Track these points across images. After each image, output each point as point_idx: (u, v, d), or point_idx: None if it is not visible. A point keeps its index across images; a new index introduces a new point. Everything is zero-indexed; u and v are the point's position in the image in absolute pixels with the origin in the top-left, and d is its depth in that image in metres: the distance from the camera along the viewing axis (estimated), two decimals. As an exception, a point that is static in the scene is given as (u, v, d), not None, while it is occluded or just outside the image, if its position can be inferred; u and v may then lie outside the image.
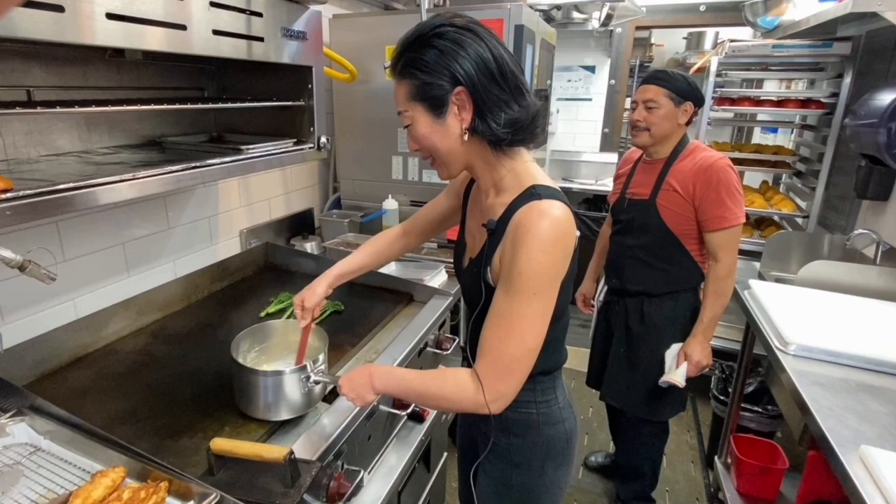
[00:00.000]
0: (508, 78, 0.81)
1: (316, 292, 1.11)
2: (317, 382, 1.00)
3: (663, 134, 1.62)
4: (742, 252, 2.60)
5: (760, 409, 2.08)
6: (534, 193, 0.83)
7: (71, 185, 0.85)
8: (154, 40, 0.93)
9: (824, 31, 2.40)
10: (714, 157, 1.57)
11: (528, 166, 0.89)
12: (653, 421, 1.84)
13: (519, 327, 0.81)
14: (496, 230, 0.86)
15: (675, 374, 1.65)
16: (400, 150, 2.07)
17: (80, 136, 1.21)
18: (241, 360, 1.02)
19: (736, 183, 1.55)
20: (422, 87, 0.81)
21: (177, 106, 1.24)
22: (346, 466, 1.02)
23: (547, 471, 1.01)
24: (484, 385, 0.82)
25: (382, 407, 1.20)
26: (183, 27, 0.97)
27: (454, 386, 0.85)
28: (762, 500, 1.84)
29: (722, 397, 2.21)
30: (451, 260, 1.80)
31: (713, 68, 2.39)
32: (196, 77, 1.47)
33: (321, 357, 1.03)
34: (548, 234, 0.78)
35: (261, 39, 1.17)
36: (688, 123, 1.65)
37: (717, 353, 2.69)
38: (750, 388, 2.13)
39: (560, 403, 1.00)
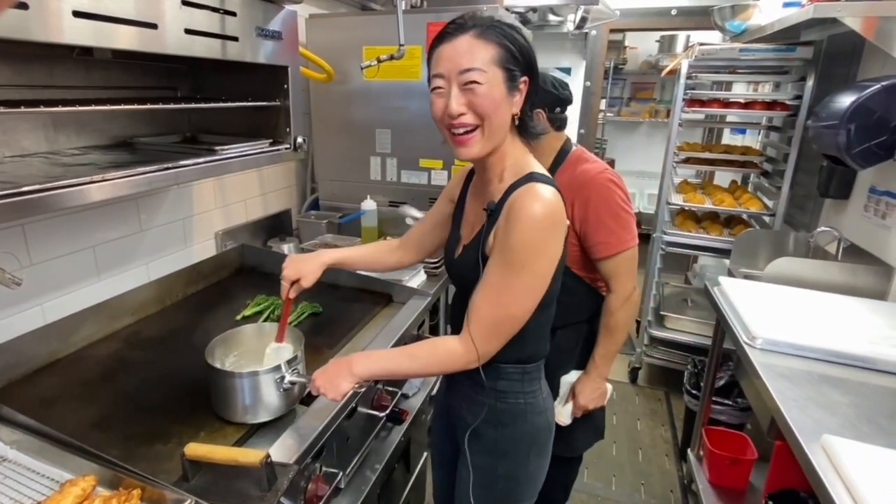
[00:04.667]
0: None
1: (313, 271, 1.13)
2: (292, 383, 1.00)
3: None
4: (713, 250, 2.68)
5: (731, 403, 2.14)
6: (531, 177, 0.91)
7: (37, 186, 0.83)
8: (124, 39, 0.92)
9: (788, 36, 2.48)
10: (594, 170, 1.31)
11: (529, 158, 0.98)
12: (564, 457, 1.52)
13: (506, 296, 0.89)
14: (494, 211, 0.93)
15: (561, 412, 1.43)
16: (378, 150, 2.07)
17: (46, 137, 1.18)
18: (218, 364, 1.01)
19: (620, 200, 1.29)
20: (510, 58, 0.87)
21: (148, 106, 1.20)
22: (323, 469, 1.01)
23: (531, 460, 1.06)
24: (475, 343, 0.91)
25: (361, 409, 1.20)
26: (154, 26, 0.96)
27: (444, 352, 0.94)
28: (733, 491, 1.90)
29: (694, 391, 2.27)
30: (431, 260, 1.82)
31: (683, 71, 2.45)
32: (168, 76, 1.44)
33: (297, 356, 1.03)
34: (539, 212, 0.86)
35: (235, 39, 1.16)
36: (559, 128, 1.38)
37: (690, 348, 2.78)
38: (721, 382, 2.20)
39: (543, 394, 1.07)
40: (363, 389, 0.96)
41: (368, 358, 0.97)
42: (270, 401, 0.99)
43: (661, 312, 2.87)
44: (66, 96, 1.18)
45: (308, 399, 1.06)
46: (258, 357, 1.13)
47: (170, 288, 1.54)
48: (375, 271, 1.30)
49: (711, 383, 2.01)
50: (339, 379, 0.93)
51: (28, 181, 0.83)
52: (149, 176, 1.01)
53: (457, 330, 0.98)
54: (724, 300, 1.73)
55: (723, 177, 3.71)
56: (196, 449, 0.82)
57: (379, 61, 1.64)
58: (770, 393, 1.21)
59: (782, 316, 1.53)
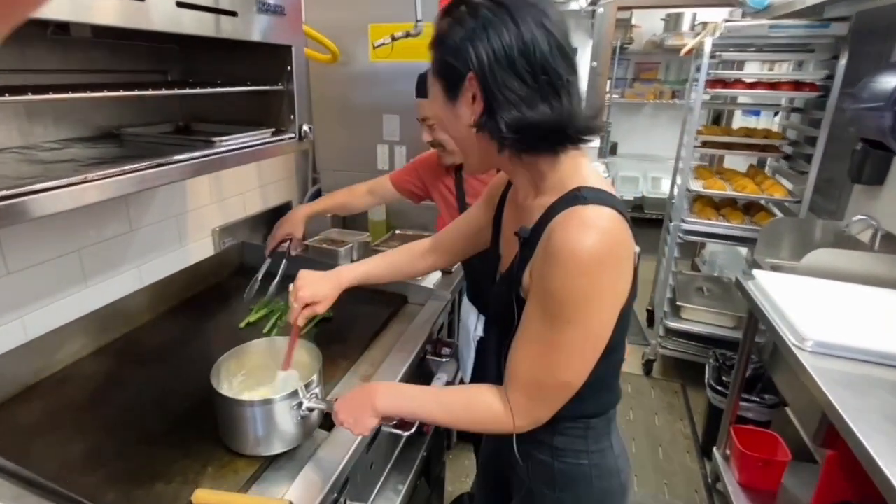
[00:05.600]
0: (538, 72, 0.66)
1: (328, 294, 0.98)
2: (311, 409, 0.88)
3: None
4: (735, 239, 2.58)
5: (758, 399, 2.06)
6: (578, 197, 0.68)
7: (13, 191, 0.69)
8: (105, 13, 0.77)
9: (811, 13, 2.34)
10: None
11: (577, 162, 0.74)
12: None
13: (550, 356, 0.70)
14: (530, 238, 0.73)
15: None
16: (385, 137, 1.93)
17: (20, 129, 1.03)
18: (225, 388, 0.89)
19: None
20: (442, 63, 0.72)
21: (136, 93, 1.06)
22: (348, 503, 0.90)
23: None
24: (514, 411, 0.74)
25: (384, 428, 1.08)
26: (140, -3, 0.81)
27: (483, 410, 0.77)
28: (765, 492, 1.82)
29: (719, 387, 2.18)
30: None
31: (707, 49, 2.31)
32: (157, 58, 1.29)
33: (315, 379, 0.91)
34: (591, 249, 0.64)
35: (234, 14, 1.01)
36: None
37: (711, 341, 2.68)
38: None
39: (616, 451, 0.86)
40: (393, 423, 0.84)
41: (394, 393, 0.82)
42: (287, 430, 0.87)
43: (678, 303, 2.77)
44: (41, 82, 1.03)
45: (329, 423, 0.94)
46: (269, 374, 1.01)
47: (165, 292, 1.41)
48: (404, 280, 1.12)
49: (741, 381, 1.92)
50: (362, 414, 0.80)
51: (1, 183, 0.70)
52: (141, 174, 0.87)
53: (503, 360, 0.79)
54: (761, 295, 1.62)
55: (733, 161, 3.58)
56: (206, 497, 0.71)
57: (393, 39, 1.49)
58: (833, 404, 1.10)
59: (829, 314, 1.43)
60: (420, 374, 1.33)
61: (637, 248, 0.71)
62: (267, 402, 0.84)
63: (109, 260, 1.31)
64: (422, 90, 1.37)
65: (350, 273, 1.03)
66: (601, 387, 0.81)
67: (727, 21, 2.28)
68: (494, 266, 0.89)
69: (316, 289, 0.97)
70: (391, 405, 0.81)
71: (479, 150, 0.75)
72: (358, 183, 1.61)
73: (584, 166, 0.74)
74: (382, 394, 0.81)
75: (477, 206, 1.01)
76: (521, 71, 0.66)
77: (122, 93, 0.99)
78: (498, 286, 0.84)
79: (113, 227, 1.31)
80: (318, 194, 2.15)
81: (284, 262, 1.46)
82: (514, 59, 0.66)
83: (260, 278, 1.46)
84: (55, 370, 1.09)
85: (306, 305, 0.96)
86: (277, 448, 0.88)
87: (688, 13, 4.90)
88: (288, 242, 1.49)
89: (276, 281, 1.44)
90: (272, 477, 0.86)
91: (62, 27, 0.98)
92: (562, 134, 0.70)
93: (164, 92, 1.15)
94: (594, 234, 0.65)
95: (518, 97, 0.66)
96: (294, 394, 0.85)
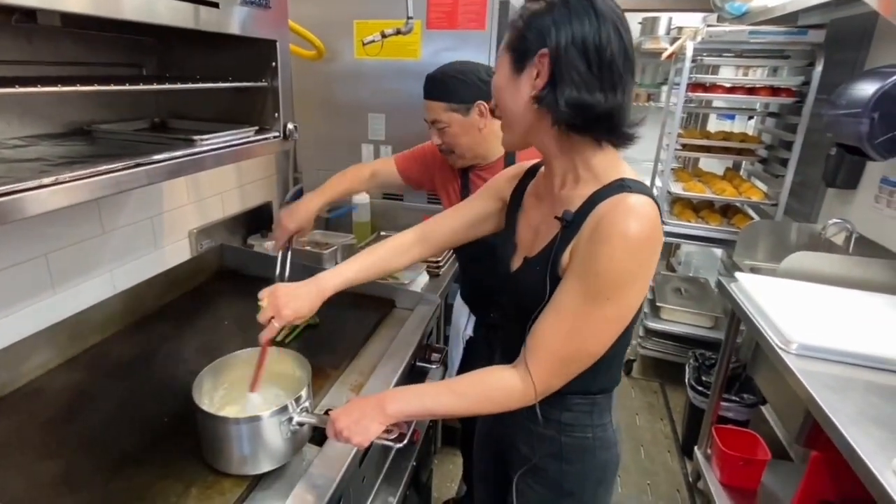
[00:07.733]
0: (604, 65, 0.73)
1: (311, 308, 0.93)
2: (301, 424, 0.84)
3: (470, 149, 1.34)
4: (714, 241, 2.62)
5: (738, 399, 2.09)
6: (624, 186, 0.75)
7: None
8: (73, 1, 0.71)
9: (786, 20, 2.39)
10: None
11: (617, 159, 0.81)
12: None
13: (583, 329, 0.76)
14: (573, 222, 0.77)
15: None
16: (371, 137, 1.88)
17: (-20, 124, 0.96)
18: (206, 403, 0.84)
19: None
20: (519, 38, 0.77)
21: (112, 87, 0.98)
22: (341, 521, 0.87)
23: (598, 498, 0.96)
24: (535, 381, 0.78)
25: (376, 441, 1.04)
26: (113, -15, 0.75)
27: (499, 390, 0.80)
28: (745, 490, 1.85)
29: (699, 388, 2.21)
30: (433, 259, 1.66)
31: (689, 54, 2.33)
32: (131, 50, 1.22)
33: (304, 392, 0.87)
34: (637, 233, 0.71)
35: (215, 5, 0.95)
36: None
37: (689, 341, 2.73)
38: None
39: (614, 426, 0.94)
40: (394, 439, 0.82)
41: (404, 395, 0.83)
42: (275, 447, 0.83)
43: (658, 304, 2.81)
44: (5, 73, 0.96)
45: (319, 437, 0.90)
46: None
47: (140, 298, 1.33)
48: (387, 276, 1.12)
49: (723, 382, 1.95)
50: (368, 420, 0.78)
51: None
52: (118, 175, 0.81)
53: (509, 355, 0.83)
54: (744, 298, 1.64)
55: (708, 163, 3.65)
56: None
57: (383, 36, 1.44)
58: (820, 407, 1.12)
59: (811, 316, 1.45)
60: (410, 381, 1.29)
61: (663, 238, 0.78)
62: (254, 420, 0.79)
63: (79, 264, 1.23)
64: (430, 91, 1.29)
65: (333, 280, 0.96)
66: (612, 363, 0.88)
67: (710, 26, 2.30)
68: (509, 256, 0.91)
69: (298, 305, 0.91)
70: (402, 407, 0.81)
71: (527, 123, 0.79)
72: (359, 164, 1.54)
73: (622, 163, 0.81)
74: (391, 397, 0.82)
75: (475, 199, 1.03)
76: (590, 59, 0.73)
77: (96, 87, 0.92)
78: (524, 269, 0.86)
79: (83, 229, 1.24)
80: (299, 193, 2.09)
81: (289, 255, 1.36)
82: (587, 48, 0.72)
83: (277, 274, 1.36)
84: (20, 384, 1.02)
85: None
86: (266, 466, 0.83)
87: (664, 17, 4.98)
88: (293, 236, 1.41)
89: (286, 275, 1.33)
90: (261, 497, 0.81)
91: (28, 14, 0.91)
92: (609, 123, 0.75)
93: (141, 87, 1.08)
94: (640, 219, 0.72)
95: (581, 80, 0.73)
96: (283, 409, 0.81)
